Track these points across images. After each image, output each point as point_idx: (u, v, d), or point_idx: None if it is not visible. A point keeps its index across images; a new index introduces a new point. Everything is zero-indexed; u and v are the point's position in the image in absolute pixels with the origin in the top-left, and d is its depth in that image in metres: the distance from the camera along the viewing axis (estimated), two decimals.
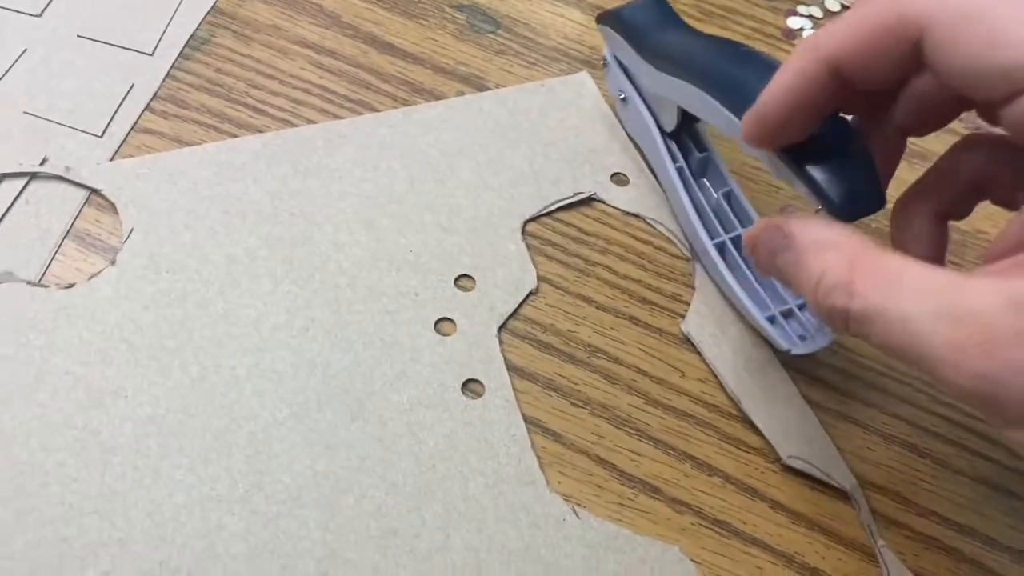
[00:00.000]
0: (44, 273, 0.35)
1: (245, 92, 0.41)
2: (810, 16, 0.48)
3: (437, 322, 0.35)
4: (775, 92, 0.26)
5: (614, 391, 0.35)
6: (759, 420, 0.35)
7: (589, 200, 0.40)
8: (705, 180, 0.38)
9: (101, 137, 0.39)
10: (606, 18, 0.38)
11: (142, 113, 0.40)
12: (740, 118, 0.28)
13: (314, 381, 0.33)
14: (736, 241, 0.36)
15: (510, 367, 0.35)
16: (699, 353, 0.36)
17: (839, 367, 0.37)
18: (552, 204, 0.39)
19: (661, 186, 0.39)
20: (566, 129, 0.41)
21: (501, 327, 0.36)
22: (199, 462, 0.32)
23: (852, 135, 0.28)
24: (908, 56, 0.24)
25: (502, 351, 0.35)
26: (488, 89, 0.43)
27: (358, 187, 0.38)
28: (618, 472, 0.34)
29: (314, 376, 0.34)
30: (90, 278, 0.35)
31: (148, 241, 0.36)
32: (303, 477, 0.32)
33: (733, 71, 0.31)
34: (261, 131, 0.40)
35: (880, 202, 0.27)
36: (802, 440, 0.34)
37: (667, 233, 0.39)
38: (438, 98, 0.42)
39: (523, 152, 0.40)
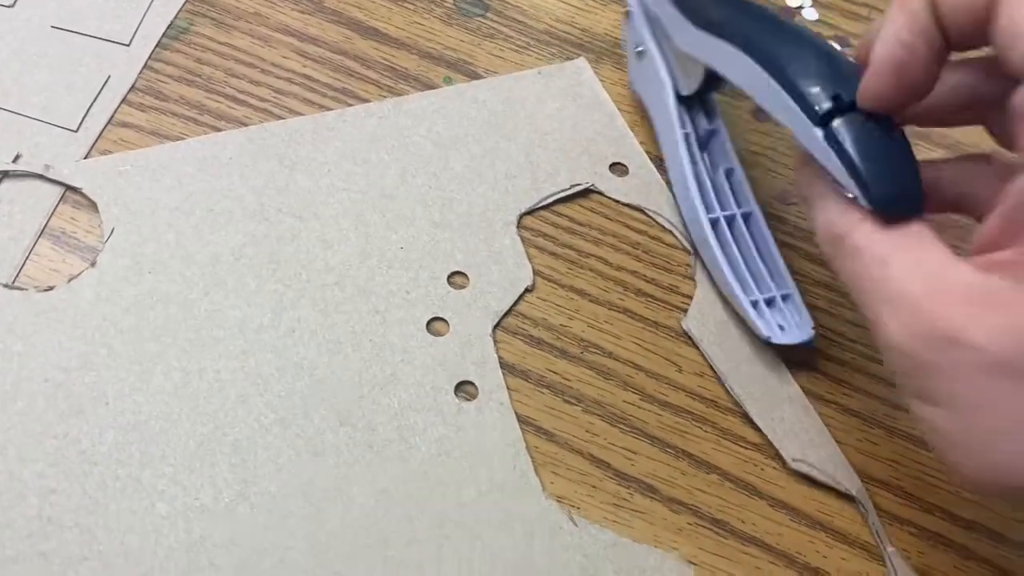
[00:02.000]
0: (17, 274, 0.33)
1: (225, 82, 0.39)
2: None
3: (429, 322, 0.34)
4: (890, 42, 0.24)
5: (609, 387, 0.34)
6: (762, 422, 0.33)
7: (587, 192, 0.38)
8: (707, 154, 0.36)
9: (76, 132, 0.37)
10: None
11: (119, 106, 0.38)
12: (790, 94, 0.27)
13: (300, 385, 0.32)
14: (730, 220, 0.34)
15: (501, 364, 0.33)
16: (699, 350, 0.34)
17: (840, 359, 0.35)
18: (549, 196, 0.37)
19: (662, 152, 0.37)
20: (563, 118, 0.39)
21: (496, 326, 0.34)
22: (182, 471, 0.30)
23: (893, 122, 0.26)
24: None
25: (496, 351, 0.33)
26: (478, 75, 0.41)
27: (347, 181, 0.36)
28: (613, 471, 0.32)
29: (301, 380, 0.32)
30: (70, 280, 0.33)
31: (130, 241, 0.34)
32: (290, 486, 0.30)
33: (789, 46, 0.28)
34: (243, 122, 0.38)
35: (921, 205, 0.25)
36: (806, 442, 0.32)
37: (668, 225, 0.37)
38: (425, 84, 0.40)
39: (519, 143, 0.38)
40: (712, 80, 0.33)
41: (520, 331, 0.34)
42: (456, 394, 0.32)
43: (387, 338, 0.33)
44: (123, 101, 0.38)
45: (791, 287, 0.34)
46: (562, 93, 0.40)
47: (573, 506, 0.31)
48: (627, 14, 0.38)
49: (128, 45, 0.40)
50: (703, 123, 0.36)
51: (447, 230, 0.36)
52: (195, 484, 0.30)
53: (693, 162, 0.35)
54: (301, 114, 0.38)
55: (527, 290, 0.35)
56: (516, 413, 0.32)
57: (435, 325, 0.34)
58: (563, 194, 0.37)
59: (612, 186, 0.38)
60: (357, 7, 0.42)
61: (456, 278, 0.35)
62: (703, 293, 0.35)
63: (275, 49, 0.40)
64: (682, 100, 0.36)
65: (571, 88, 0.40)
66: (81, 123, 0.37)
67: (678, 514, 0.31)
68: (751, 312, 0.33)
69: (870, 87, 0.25)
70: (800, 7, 0.45)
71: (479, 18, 0.43)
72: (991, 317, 0.21)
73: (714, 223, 0.34)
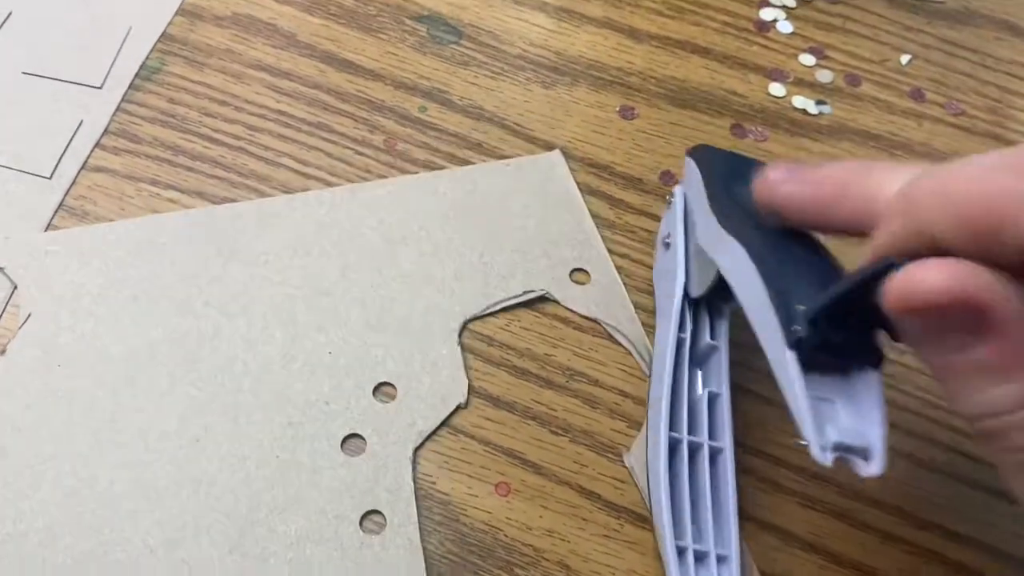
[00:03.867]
0: None
1: (199, 121, 0.37)
2: (783, 6, 0.44)
3: (345, 439, 0.30)
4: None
5: (596, 416, 0.32)
6: None
7: (542, 299, 0.34)
8: (700, 371, 0.31)
9: (50, 179, 0.35)
10: (699, 151, 0.31)
11: (92, 151, 0.36)
12: (777, 307, 0.22)
13: (194, 503, 0.28)
14: (694, 449, 0.29)
15: (486, 396, 0.32)
16: (638, 489, 0.30)
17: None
18: (498, 303, 0.33)
19: (653, 351, 0.32)
20: (527, 215, 0.35)
21: (418, 448, 0.30)
22: None
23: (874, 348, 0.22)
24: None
25: (414, 478, 0.30)
26: (453, 103, 0.38)
27: (283, 274, 0.33)
28: (603, 502, 0.30)
29: (196, 497, 0.29)
30: None
31: (45, 329, 0.31)
32: None
33: (795, 256, 0.24)
34: (217, 162, 0.36)
35: (881, 462, 0.21)
36: None
37: (626, 343, 0.33)
38: (401, 115, 0.38)
39: (475, 240, 0.34)
40: (722, 289, 0.28)
41: (504, 362, 0.32)
42: (361, 525, 0.29)
43: (296, 455, 0.29)
44: (96, 145, 0.36)
45: (732, 551, 0.28)
46: (530, 188, 0.36)
47: (563, 539, 0.29)
48: (669, 204, 0.33)
49: (100, 88, 0.38)
50: (705, 336, 0.31)
51: (382, 334, 0.32)
52: None
53: (677, 366, 0.30)
54: (276, 151, 0.37)
55: (458, 408, 0.31)
56: (502, 446, 0.31)
57: (351, 443, 0.30)
58: (513, 301, 0.33)
59: (570, 294, 0.34)
60: (330, 40, 0.40)
61: (383, 389, 0.31)
62: None
63: (248, 86, 0.39)
64: (691, 305, 0.31)
65: (541, 183, 0.36)
66: (55, 169, 0.35)
67: None
68: (672, 560, 0.27)
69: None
70: (774, 20, 0.43)
71: (452, 45, 0.41)
72: None
73: (674, 446, 0.29)
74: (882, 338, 0.22)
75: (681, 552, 0.27)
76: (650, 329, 0.33)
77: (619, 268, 0.35)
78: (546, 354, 0.33)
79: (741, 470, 0.30)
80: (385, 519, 0.29)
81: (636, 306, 0.34)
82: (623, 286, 0.34)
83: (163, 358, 0.31)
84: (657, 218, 0.36)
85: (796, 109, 0.40)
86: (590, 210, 0.36)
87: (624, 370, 0.32)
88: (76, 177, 0.35)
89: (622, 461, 0.31)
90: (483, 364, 0.32)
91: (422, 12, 0.42)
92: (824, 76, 0.42)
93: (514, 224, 0.35)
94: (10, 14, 0.39)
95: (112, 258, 0.33)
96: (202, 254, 0.33)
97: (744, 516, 0.29)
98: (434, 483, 0.30)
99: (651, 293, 0.34)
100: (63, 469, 0.29)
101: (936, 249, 0.18)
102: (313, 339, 0.32)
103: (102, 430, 0.29)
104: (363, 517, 0.29)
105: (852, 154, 0.39)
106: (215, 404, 0.30)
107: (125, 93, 0.38)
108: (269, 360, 0.31)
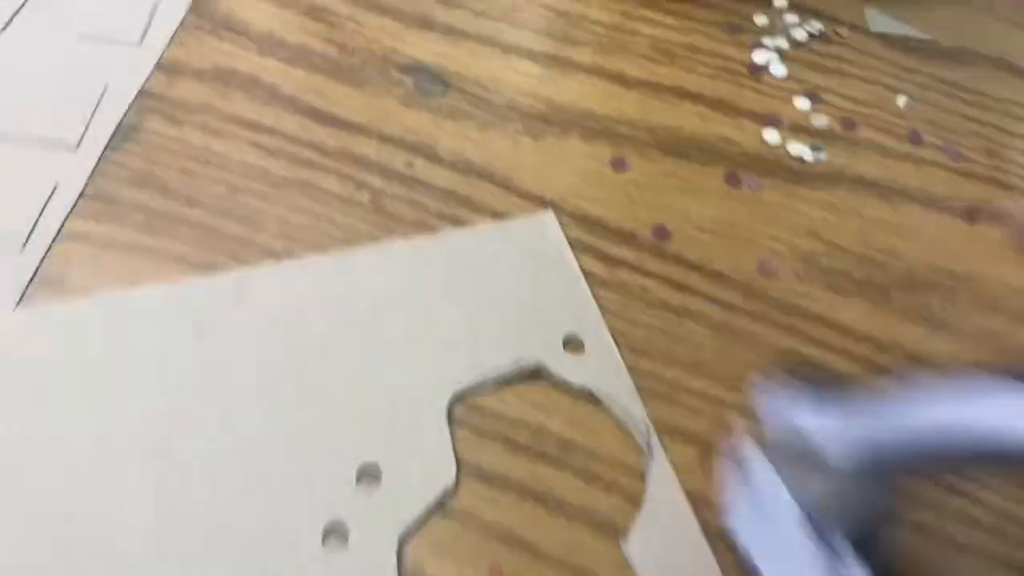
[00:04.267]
0: None
1: (179, 182, 0.35)
2: (776, 49, 0.43)
3: (327, 529, 0.28)
4: None
5: (592, 492, 0.29)
6: None
7: (535, 372, 0.32)
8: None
9: (23, 248, 0.33)
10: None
11: (67, 217, 0.34)
12: None
13: None
14: None
15: (477, 472, 0.29)
16: None
17: None
18: (487, 379, 0.31)
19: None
20: (519, 280, 0.33)
21: (403, 538, 0.28)
22: None
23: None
24: None
25: (400, 566, 0.28)
26: (440, 158, 0.37)
27: (263, 349, 0.31)
28: None
29: None
30: None
31: (12, 412, 0.29)
32: None
33: None
34: (198, 226, 0.34)
35: None
36: None
37: (623, 417, 0.31)
38: (385, 170, 0.36)
39: (465, 308, 0.33)
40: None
41: (496, 434, 0.30)
42: None
43: (278, 549, 0.28)
44: (71, 212, 0.34)
45: None
46: (522, 251, 0.34)
47: None
48: (738, 463, 0.28)
49: (76, 149, 0.36)
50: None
51: (366, 410, 0.30)
52: None
53: None
54: (259, 211, 0.35)
55: (446, 492, 0.29)
56: (495, 522, 0.28)
57: (333, 535, 0.28)
58: (504, 375, 0.31)
59: (564, 366, 0.32)
60: (314, 92, 0.39)
61: (367, 471, 0.29)
62: (652, 510, 0.29)
63: (230, 143, 0.37)
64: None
65: (533, 246, 0.34)
66: (27, 240, 0.33)
67: None
68: None
69: None
70: (767, 63, 0.42)
71: (440, 97, 0.39)
72: None
73: None
74: None
75: None
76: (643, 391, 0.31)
77: (612, 328, 0.33)
78: (539, 423, 0.31)
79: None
80: None
81: (630, 368, 0.32)
82: (619, 355, 0.32)
83: (135, 443, 0.29)
84: (651, 274, 0.34)
85: (792, 157, 0.39)
86: (582, 267, 0.34)
87: (620, 440, 0.31)
88: (51, 245, 0.33)
89: (619, 543, 0.29)
90: (474, 436, 0.30)
91: (408, 63, 0.40)
92: (819, 120, 0.40)
93: (505, 290, 0.33)
94: None
95: (91, 334, 0.31)
96: (180, 328, 0.31)
97: None
98: (423, 569, 0.28)
99: (645, 353, 0.32)
100: (20, 569, 0.27)
101: None
102: (292, 416, 0.30)
103: (63, 527, 0.27)
104: None
105: (848, 201, 0.38)
106: (191, 493, 0.28)
107: (102, 154, 0.36)
108: (245, 441, 0.29)
